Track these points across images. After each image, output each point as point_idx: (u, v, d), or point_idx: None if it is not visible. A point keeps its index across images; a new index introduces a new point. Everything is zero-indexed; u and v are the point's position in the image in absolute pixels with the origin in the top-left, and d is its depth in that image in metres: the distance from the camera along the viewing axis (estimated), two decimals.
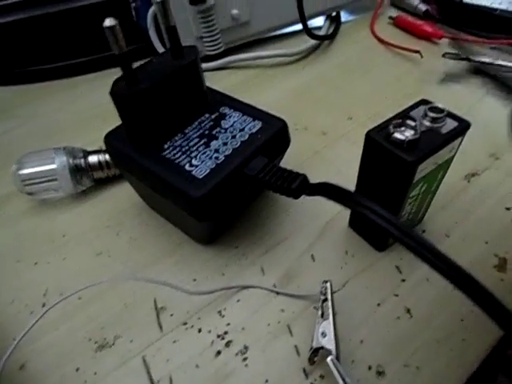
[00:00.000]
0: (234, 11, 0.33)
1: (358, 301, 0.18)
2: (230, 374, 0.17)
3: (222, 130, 0.19)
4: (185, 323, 0.18)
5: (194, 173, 0.17)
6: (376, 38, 0.37)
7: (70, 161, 0.23)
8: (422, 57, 0.32)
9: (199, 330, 0.18)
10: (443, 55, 0.31)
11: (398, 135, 0.15)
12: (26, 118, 0.32)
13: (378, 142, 0.15)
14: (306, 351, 0.17)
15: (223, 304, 0.19)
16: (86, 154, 0.24)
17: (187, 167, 0.17)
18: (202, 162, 0.18)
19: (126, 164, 0.19)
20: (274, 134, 0.19)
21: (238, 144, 0.18)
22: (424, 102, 0.17)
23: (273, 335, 0.18)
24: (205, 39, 0.34)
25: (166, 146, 0.18)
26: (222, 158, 0.18)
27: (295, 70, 0.34)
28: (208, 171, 0.17)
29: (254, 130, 0.19)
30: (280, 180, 0.17)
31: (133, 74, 0.17)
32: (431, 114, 0.16)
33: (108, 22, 0.15)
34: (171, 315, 0.19)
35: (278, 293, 0.19)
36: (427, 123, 0.16)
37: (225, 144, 0.18)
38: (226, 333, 0.18)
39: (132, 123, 0.18)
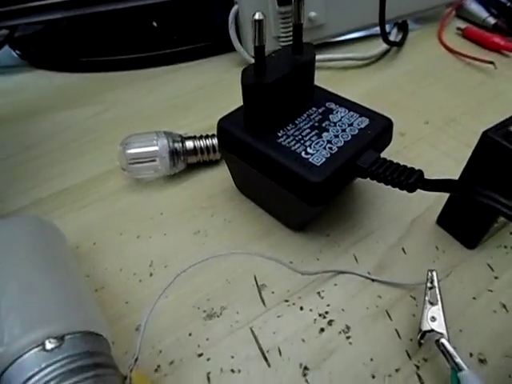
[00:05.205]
0: (312, 14, 0.35)
1: (454, 294, 0.19)
2: (335, 349, 0.18)
3: (332, 124, 0.20)
4: (286, 300, 0.19)
5: (311, 160, 0.18)
6: (445, 48, 0.37)
7: (171, 144, 0.25)
8: (495, 68, 0.33)
9: (301, 308, 0.19)
10: None
11: None
12: (110, 103, 0.34)
13: (496, 141, 0.16)
14: (407, 335, 0.18)
15: (321, 286, 0.20)
16: (183, 139, 0.26)
17: (303, 155, 0.19)
18: (317, 151, 0.19)
19: (238, 148, 0.20)
20: (382, 131, 0.20)
21: (349, 137, 0.19)
22: None
23: (372, 318, 0.19)
24: (281, 39, 0.35)
25: (279, 134, 0.20)
26: (335, 148, 0.19)
27: (366, 74, 0.35)
28: (324, 160, 0.18)
29: (362, 126, 0.20)
30: (395, 174, 0.18)
31: (263, 67, 0.18)
32: None
33: (257, 15, 0.16)
34: (272, 292, 0.20)
35: (373, 280, 0.20)
36: None
37: (336, 136, 0.19)
38: (326, 312, 0.19)
39: (254, 111, 0.19)
